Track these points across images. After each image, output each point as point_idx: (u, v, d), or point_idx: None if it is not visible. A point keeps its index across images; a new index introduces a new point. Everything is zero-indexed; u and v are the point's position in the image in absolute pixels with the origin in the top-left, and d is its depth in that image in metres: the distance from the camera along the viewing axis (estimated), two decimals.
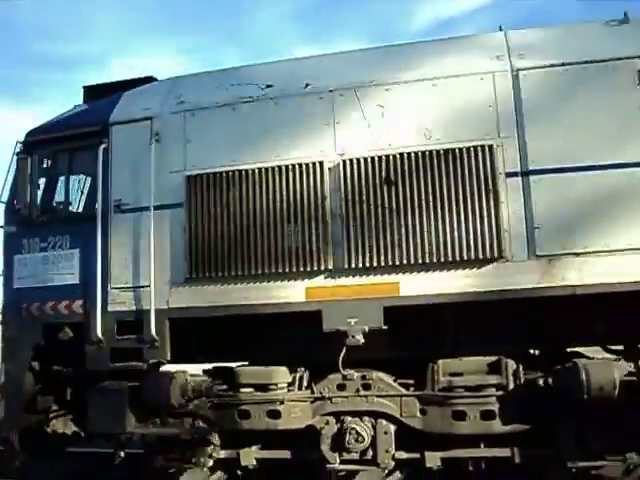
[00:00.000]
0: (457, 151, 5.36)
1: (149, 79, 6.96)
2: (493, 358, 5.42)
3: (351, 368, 5.69)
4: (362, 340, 5.44)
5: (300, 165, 5.63)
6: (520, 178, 5.32)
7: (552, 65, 5.40)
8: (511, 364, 5.37)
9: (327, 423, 5.62)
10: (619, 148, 5.17)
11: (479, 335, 5.54)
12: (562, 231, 5.18)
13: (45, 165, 6.49)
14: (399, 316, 5.46)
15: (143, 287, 5.88)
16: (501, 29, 5.98)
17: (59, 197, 6.45)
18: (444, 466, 5.55)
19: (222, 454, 5.92)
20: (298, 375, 5.82)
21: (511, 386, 5.32)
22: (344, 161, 5.56)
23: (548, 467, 5.35)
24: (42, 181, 6.52)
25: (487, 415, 5.32)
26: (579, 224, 5.16)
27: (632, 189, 5.11)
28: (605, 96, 5.26)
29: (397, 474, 5.70)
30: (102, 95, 6.88)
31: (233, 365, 6.16)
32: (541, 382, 5.22)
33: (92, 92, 7.10)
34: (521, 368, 5.37)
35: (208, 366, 6.36)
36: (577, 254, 5.15)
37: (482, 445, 5.48)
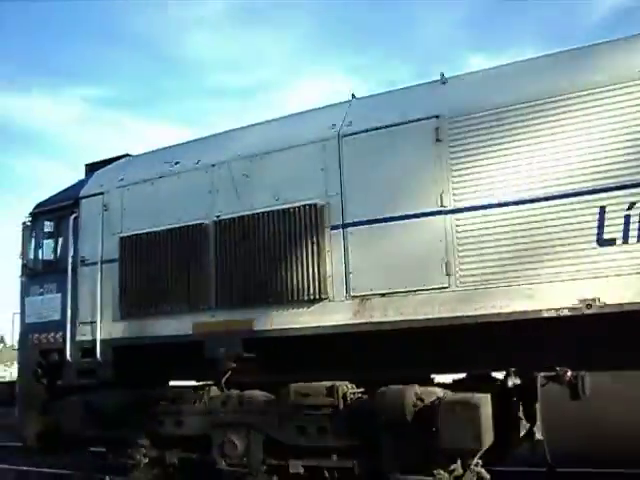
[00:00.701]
0: (293, 210, 6.46)
1: (125, 155, 8.95)
2: (330, 383, 6.38)
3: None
4: (232, 365, 6.76)
5: (188, 226, 7.12)
6: (341, 230, 6.26)
7: (367, 130, 6.27)
8: (342, 388, 6.28)
9: (216, 433, 6.99)
10: (417, 200, 5.91)
11: (320, 365, 6.50)
12: (370, 275, 6.03)
13: (44, 230, 8.73)
14: (269, 346, 6.68)
15: (96, 322, 7.77)
16: (353, 96, 6.93)
17: (51, 254, 8.63)
18: (307, 472, 6.61)
19: (154, 453, 7.56)
20: (203, 393, 7.27)
21: (341, 406, 6.24)
22: (216, 222, 6.94)
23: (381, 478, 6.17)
24: (45, 242, 8.77)
25: (322, 430, 6.31)
26: (384, 269, 5.97)
27: (424, 236, 5.81)
28: (409, 153, 6.02)
29: (274, 477, 6.87)
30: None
31: None
32: (353, 405, 6.10)
33: (91, 168, 9.22)
34: (349, 391, 6.26)
35: None
36: (382, 294, 5.97)
37: (335, 457, 6.46)
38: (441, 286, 5.68)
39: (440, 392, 5.91)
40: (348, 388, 6.28)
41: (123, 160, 8.55)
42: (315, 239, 6.31)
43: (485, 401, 5.57)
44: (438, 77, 6.36)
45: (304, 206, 6.40)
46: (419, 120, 6.00)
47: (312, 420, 6.34)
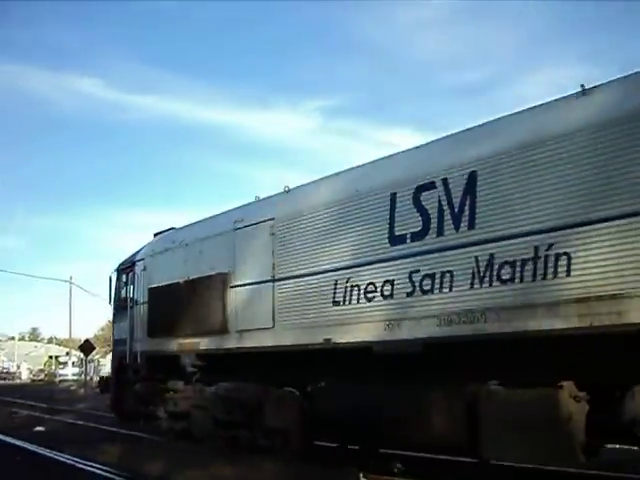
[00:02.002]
0: (214, 276, 10.39)
1: (171, 229, 13.61)
2: (239, 383, 10.13)
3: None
4: (191, 369, 10.92)
5: (173, 284, 11.42)
6: (235, 289, 10.02)
7: (246, 226, 9.95)
8: (244, 387, 9.98)
9: (191, 412, 11.18)
10: (262, 272, 9.44)
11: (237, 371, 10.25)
12: (245, 318, 9.72)
13: (122, 280, 13.79)
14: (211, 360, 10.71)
15: (138, 340, 12.52)
16: (256, 197, 10.60)
17: (125, 297, 13.63)
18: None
19: (170, 423, 12.00)
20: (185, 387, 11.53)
21: (241, 397, 9.98)
22: (185, 282, 11.14)
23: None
24: (123, 289, 13.84)
25: (230, 412, 10.12)
26: (249, 315, 9.62)
27: (264, 296, 9.32)
28: (260, 242, 9.57)
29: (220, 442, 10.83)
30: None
31: None
32: (246, 397, 9.82)
33: (156, 234, 14.05)
34: (249, 388, 9.93)
35: None
36: (248, 330, 9.62)
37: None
38: (270, 327, 9.18)
39: (279, 390, 9.36)
40: (248, 386, 9.99)
41: (159, 235, 13.23)
42: (223, 295, 10.17)
43: (296, 396, 8.95)
44: None
45: (218, 273, 10.31)
46: (265, 221, 9.54)
47: (227, 405, 10.22)
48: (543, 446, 6.37)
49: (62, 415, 17.44)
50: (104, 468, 9.11)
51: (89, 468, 9.21)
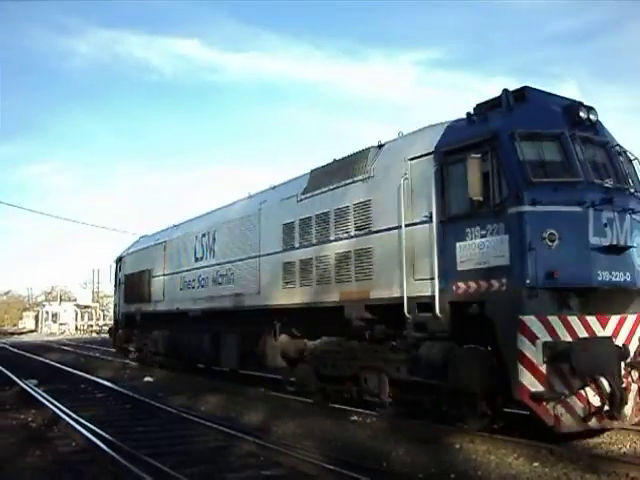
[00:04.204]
0: (145, 270, 18.50)
1: (144, 235, 21.85)
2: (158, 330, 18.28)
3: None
4: (140, 322, 19.22)
5: (134, 272, 19.70)
6: (153, 278, 18.06)
7: (156, 244, 17.90)
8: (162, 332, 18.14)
9: (144, 348, 19.51)
10: (158, 269, 17.39)
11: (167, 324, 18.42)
12: (153, 294, 17.74)
13: (117, 266, 22.25)
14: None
15: (120, 305, 21.01)
16: (167, 226, 18.51)
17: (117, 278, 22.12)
18: None
19: (142, 355, 20.47)
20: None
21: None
22: (136, 272, 19.35)
23: None
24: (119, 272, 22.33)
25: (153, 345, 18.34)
26: (155, 292, 17.63)
27: (159, 283, 17.27)
28: (158, 254, 17.51)
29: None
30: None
31: None
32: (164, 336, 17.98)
33: (141, 237, 22.36)
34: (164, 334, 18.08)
35: None
36: (160, 300, 17.65)
37: None
38: (162, 300, 17.19)
39: (164, 331, 17.37)
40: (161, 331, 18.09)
41: (141, 237, 21.50)
42: (149, 281, 18.28)
43: (170, 336, 16.95)
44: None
45: (147, 269, 18.42)
46: (162, 242, 17.47)
47: (153, 342, 18.39)
48: (238, 362, 13.85)
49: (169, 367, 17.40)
50: (205, 417, 9.41)
51: (192, 417, 9.43)
